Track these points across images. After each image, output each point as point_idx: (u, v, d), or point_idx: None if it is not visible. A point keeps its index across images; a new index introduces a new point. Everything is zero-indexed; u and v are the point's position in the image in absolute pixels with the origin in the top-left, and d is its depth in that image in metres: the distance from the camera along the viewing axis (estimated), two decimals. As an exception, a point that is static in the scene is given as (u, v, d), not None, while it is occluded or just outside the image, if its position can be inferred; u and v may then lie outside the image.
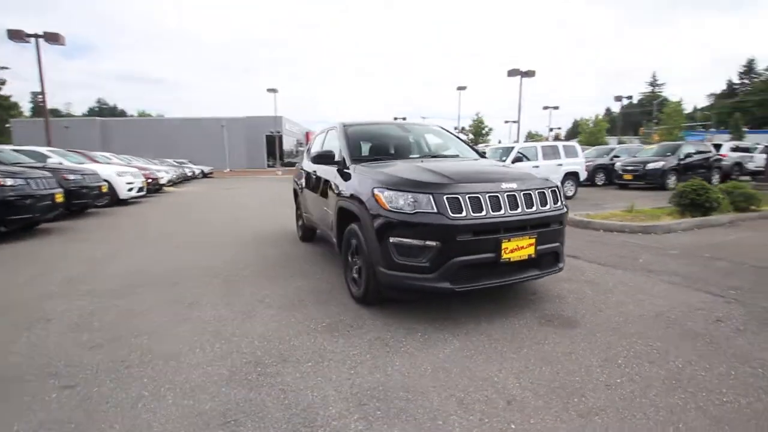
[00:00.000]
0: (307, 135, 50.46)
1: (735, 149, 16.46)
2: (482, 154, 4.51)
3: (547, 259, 3.05)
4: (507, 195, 2.83)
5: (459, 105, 34.55)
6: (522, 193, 2.90)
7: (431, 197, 2.71)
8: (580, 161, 11.62)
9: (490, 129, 42.70)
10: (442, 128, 4.99)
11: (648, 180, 13.05)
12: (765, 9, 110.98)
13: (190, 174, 26.30)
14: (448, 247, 2.66)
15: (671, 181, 12.71)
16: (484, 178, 3.00)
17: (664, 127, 36.57)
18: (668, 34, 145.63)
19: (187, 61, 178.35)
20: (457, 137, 4.90)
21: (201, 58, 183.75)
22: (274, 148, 42.66)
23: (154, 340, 2.68)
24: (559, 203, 3.10)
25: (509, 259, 2.76)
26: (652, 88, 70.88)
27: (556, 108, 41.12)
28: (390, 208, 2.79)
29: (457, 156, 4.27)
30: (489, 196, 2.77)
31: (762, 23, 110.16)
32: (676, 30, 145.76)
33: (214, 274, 4.21)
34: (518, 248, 2.78)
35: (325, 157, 3.90)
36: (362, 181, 3.21)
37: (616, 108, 52.81)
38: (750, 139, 28.01)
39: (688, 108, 52.26)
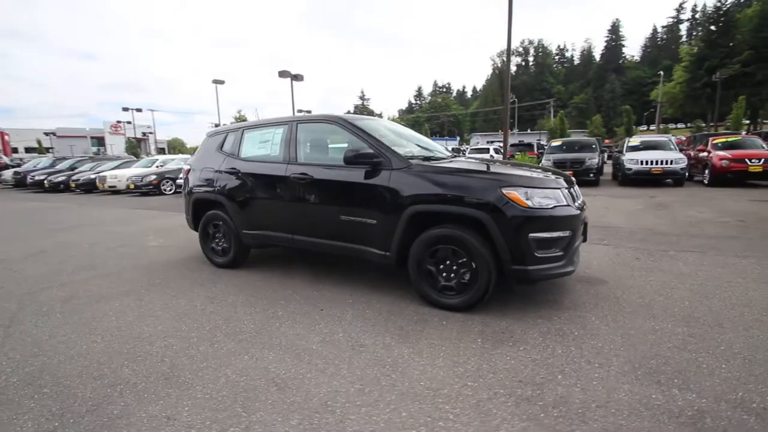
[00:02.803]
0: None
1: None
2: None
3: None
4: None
5: (217, 100, 31.10)
6: None
7: (564, 192, 2.99)
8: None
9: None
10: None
11: None
12: (427, 49, 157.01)
13: None
14: (574, 235, 3.01)
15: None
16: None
17: None
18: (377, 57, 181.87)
19: None
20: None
21: None
22: None
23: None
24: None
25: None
26: (361, 101, 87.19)
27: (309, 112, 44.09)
28: (530, 206, 2.85)
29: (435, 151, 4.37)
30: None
31: (424, 60, 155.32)
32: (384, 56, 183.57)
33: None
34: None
35: (364, 156, 3.29)
36: (472, 182, 3.00)
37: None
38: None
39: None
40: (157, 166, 15.77)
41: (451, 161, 3.57)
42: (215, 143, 4.60)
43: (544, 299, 3.29)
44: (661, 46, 76.77)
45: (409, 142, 4.09)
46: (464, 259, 3.03)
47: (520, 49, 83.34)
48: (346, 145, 3.72)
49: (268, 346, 2.65)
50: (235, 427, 1.86)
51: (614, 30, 77.93)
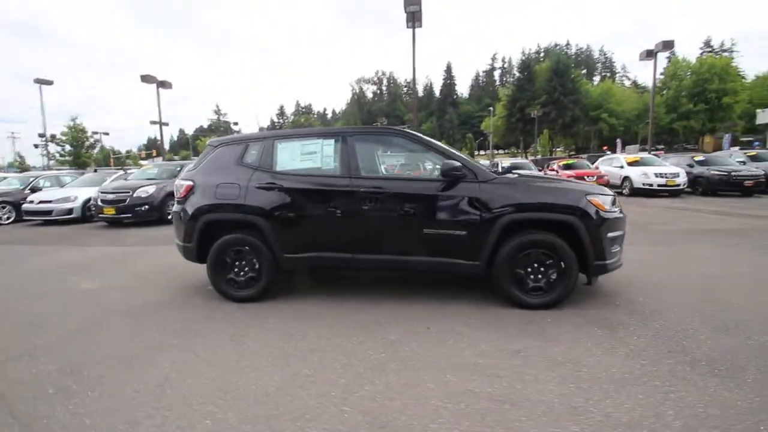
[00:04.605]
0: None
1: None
2: None
3: None
4: None
5: (42, 104, 24.52)
6: None
7: (616, 198, 3.63)
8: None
9: (97, 140, 33.32)
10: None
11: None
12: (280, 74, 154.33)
13: None
14: (624, 233, 3.69)
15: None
16: None
17: None
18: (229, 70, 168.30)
19: None
20: None
21: None
22: None
23: None
24: None
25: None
26: (217, 116, 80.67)
27: (166, 124, 37.92)
28: (608, 210, 3.41)
29: None
30: None
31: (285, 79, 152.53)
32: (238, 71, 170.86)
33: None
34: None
35: (457, 170, 3.37)
36: (564, 191, 3.45)
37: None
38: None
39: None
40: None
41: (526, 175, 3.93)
42: (231, 155, 3.90)
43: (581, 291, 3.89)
44: (483, 87, 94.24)
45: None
46: (551, 261, 3.39)
47: (375, 79, 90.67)
48: (400, 158, 3.73)
49: (448, 370, 2.49)
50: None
51: (449, 70, 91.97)
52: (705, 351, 2.61)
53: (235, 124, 51.85)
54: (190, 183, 3.90)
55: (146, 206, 9.44)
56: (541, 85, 55.84)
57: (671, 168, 13.81)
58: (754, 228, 7.16)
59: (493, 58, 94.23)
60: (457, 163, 3.42)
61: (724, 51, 56.15)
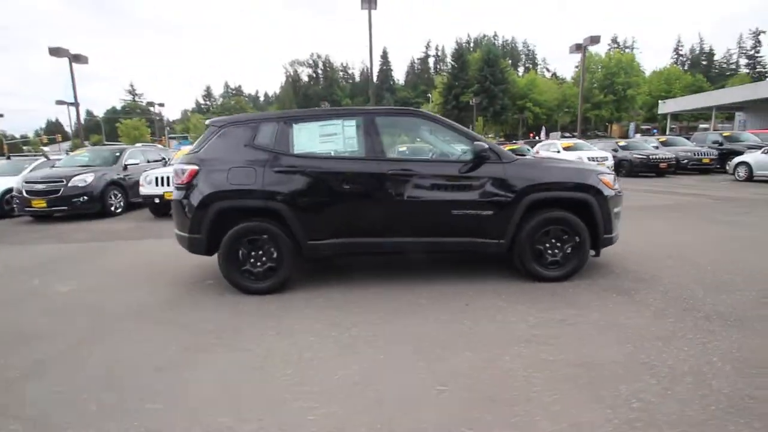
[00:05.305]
0: None
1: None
2: None
3: None
4: None
5: None
6: None
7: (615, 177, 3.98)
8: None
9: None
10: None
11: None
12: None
13: None
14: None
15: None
16: None
17: None
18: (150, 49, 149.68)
19: None
20: None
21: None
22: None
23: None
24: None
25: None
26: (132, 96, 72.57)
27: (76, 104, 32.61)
28: (614, 188, 3.73)
29: None
30: None
31: (210, 60, 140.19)
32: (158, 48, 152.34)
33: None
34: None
35: (485, 151, 3.46)
36: (579, 171, 3.74)
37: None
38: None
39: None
40: None
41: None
42: (240, 136, 3.59)
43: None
44: (418, 74, 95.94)
45: None
46: (567, 236, 3.66)
47: (310, 61, 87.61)
48: (416, 139, 3.73)
49: (514, 343, 2.61)
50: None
51: (385, 56, 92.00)
52: (711, 307, 3.02)
53: (161, 105, 46.97)
54: (195, 167, 3.53)
55: (85, 197, 8.33)
56: (474, 74, 58.24)
57: (601, 152, 15.34)
58: (686, 203, 8.30)
59: (427, 46, 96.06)
60: (486, 145, 3.51)
61: (627, 48, 63.26)
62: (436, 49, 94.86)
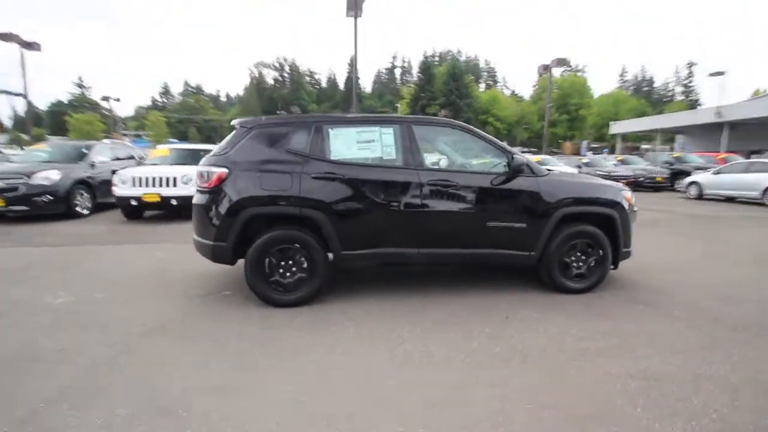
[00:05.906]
0: None
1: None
2: None
3: None
4: None
5: None
6: None
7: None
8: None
9: None
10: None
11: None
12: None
13: None
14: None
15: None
16: None
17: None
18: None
19: None
20: None
21: None
22: None
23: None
24: None
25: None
26: (80, 89, 67.49)
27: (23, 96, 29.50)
28: (633, 203, 3.92)
29: None
30: None
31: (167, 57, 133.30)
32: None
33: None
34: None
35: (522, 166, 3.53)
36: (606, 187, 3.91)
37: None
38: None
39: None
40: None
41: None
42: (272, 139, 3.40)
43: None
44: (385, 84, 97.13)
45: None
46: (591, 249, 3.79)
47: (276, 64, 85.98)
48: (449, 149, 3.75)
49: (572, 356, 2.62)
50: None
51: (352, 64, 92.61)
52: (733, 319, 3.22)
53: (117, 100, 43.68)
54: (225, 170, 3.29)
55: (48, 196, 7.54)
56: (440, 87, 59.88)
57: (570, 169, 16.23)
58: (657, 219, 8.90)
59: (394, 57, 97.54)
60: (524, 159, 3.57)
61: (578, 71, 67.87)
62: (403, 60, 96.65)
